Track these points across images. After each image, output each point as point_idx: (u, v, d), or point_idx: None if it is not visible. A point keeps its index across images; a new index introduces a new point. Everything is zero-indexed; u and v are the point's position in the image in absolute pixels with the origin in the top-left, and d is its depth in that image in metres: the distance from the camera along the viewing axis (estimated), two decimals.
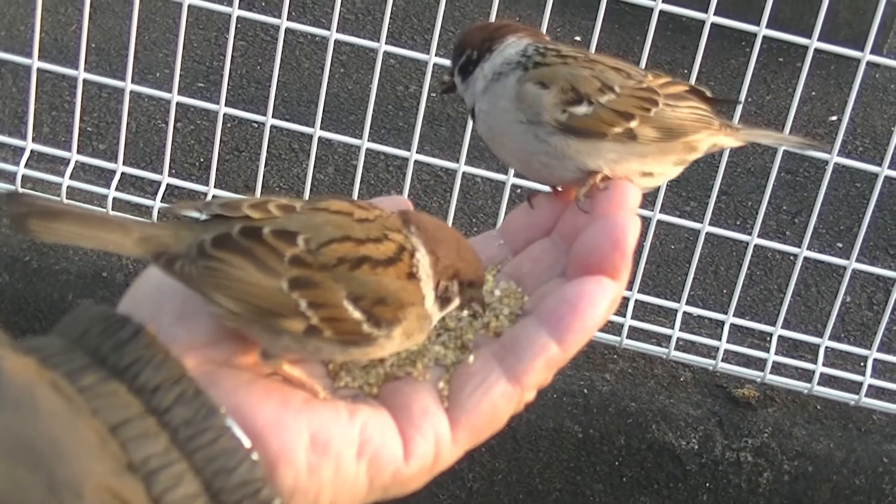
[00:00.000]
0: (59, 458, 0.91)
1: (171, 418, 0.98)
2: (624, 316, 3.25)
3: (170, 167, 3.38)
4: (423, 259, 1.13)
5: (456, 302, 1.16)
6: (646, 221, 3.16)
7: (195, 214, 1.10)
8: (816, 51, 2.98)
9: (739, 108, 3.00)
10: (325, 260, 1.06)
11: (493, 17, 2.94)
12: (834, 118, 4.66)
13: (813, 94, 4.79)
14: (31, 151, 3.37)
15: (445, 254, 1.14)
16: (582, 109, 1.33)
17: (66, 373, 0.98)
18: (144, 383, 0.99)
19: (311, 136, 3.20)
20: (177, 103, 3.25)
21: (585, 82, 1.35)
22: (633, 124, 1.36)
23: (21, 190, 3.31)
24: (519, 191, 3.38)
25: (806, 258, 3.20)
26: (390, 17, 3.00)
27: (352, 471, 1.03)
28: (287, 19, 3.11)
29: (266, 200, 1.10)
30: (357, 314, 1.07)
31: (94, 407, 0.96)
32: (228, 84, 3.19)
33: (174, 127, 3.44)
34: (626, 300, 3.27)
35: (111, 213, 0.94)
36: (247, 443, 0.99)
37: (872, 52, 2.98)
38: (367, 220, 1.11)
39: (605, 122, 1.34)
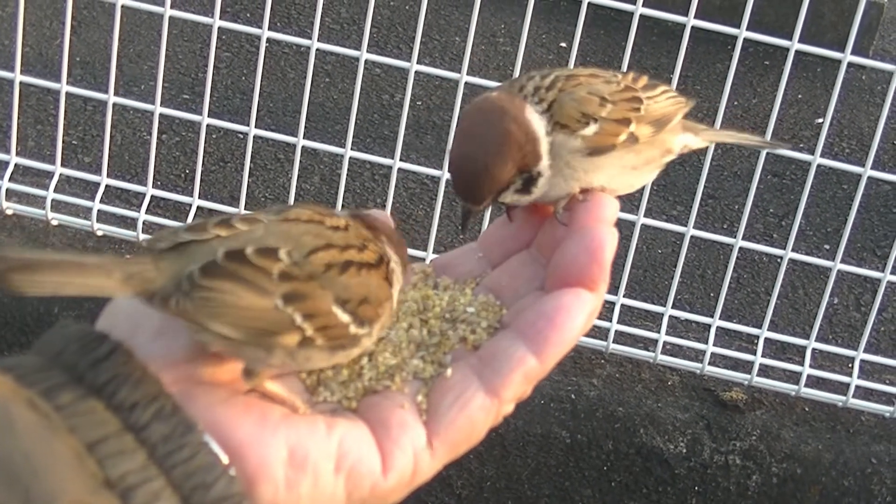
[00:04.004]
0: (35, 476, 0.91)
1: (149, 435, 0.98)
2: (610, 321, 3.26)
3: (155, 179, 3.38)
4: (396, 267, 1.15)
5: None
6: (631, 225, 3.16)
7: (166, 244, 1.09)
8: (802, 54, 2.99)
9: (722, 112, 3.00)
10: (313, 269, 1.07)
11: (473, 25, 2.94)
12: (820, 120, 4.67)
13: (799, 96, 4.80)
14: (16, 165, 3.37)
15: (404, 256, 1.19)
16: (592, 129, 1.33)
17: (43, 391, 0.98)
18: (122, 400, 0.99)
19: (295, 146, 3.21)
20: (161, 115, 3.26)
21: (587, 103, 1.34)
22: (633, 128, 1.36)
23: None
24: None
25: (793, 260, 3.21)
26: (376, 27, 3.02)
27: (330, 485, 1.03)
28: (272, 30, 3.11)
29: (229, 217, 1.10)
30: (345, 317, 1.08)
31: (71, 424, 0.96)
32: (214, 95, 3.20)
33: (159, 139, 3.45)
34: (612, 305, 3.28)
35: (89, 254, 0.93)
36: (224, 458, 0.99)
37: (858, 54, 2.99)
38: (340, 229, 1.12)
39: (611, 135, 1.34)
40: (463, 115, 1.37)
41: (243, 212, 3.29)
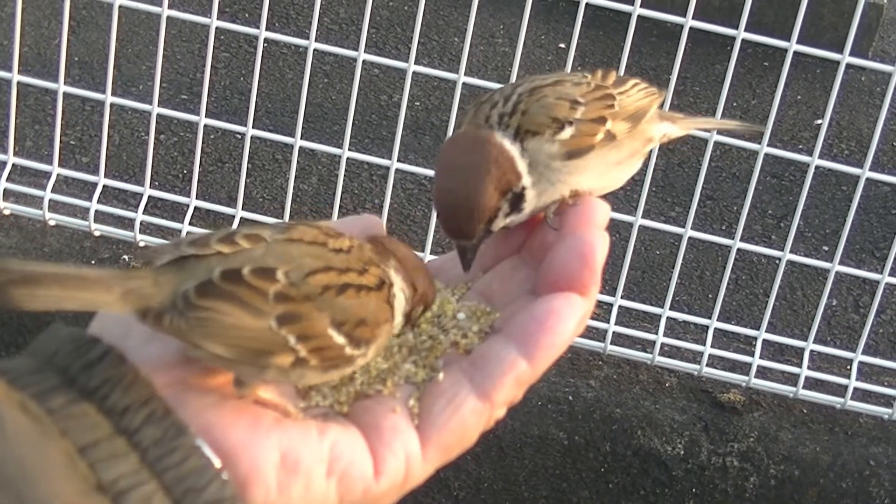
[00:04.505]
0: (26, 480, 0.91)
1: (141, 438, 0.98)
2: (608, 322, 3.26)
3: (153, 179, 3.39)
4: (399, 293, 1.13)
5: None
6: (629, 227, 3.17)
7: (167, 257, 1.08)
8: (802, 55, 2.99)
9: (720, 113, 3.00)
10: (310, 290, 1.06)
11: (471, 26, 2.94)
12: (819, 122, 4.66)
13: (798, 97, 4.80)
14: (14, 165, 3.37)
15: (421, 283, 1.16)
16: (567, 133, 1.33)
17: (35, 394, 0.98)
18: (114, 404, 0.99)
19: (293, 147, 3.22)
20: (159, 115, 3.26)
21: (557, 108, 1.34)
22: (609, 125, 1.36)
23: None
24: None
25: (791, 262, 3.21)
26: (374, 27, 3.01)
27: (322, 488, 1.03)
28: (270, 30, 3.12)
29: (234, 233, 1.09)
30: (341, 339, 1.07)
31: (63, 428, 0.96)
32: (212, 95, 3.20)
33: (157, 139, 3.45)
34: (610, 306, 3.28)
35: (89, 267, 0.93)
36: (217, 462, 0.99)
37: (857, 55, 2.99)
38: (343, 251, 1.11)
39: (588, 135, 1.34)
40: (439, 154, 1.36)
41: (241, 213, 3.31)
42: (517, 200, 1.30)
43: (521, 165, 1.31)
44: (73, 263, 3.28)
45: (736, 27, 2.95)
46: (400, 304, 1.14)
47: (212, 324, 1.02)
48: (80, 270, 1.02)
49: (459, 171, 1.31)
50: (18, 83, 3.28)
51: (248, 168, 3.29)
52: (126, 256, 3.39)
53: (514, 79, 3.03)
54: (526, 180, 1.31)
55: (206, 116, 3.25)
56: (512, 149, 1.31)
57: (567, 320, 1.09)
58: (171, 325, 1.02)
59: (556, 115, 1.33)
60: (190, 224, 3.33)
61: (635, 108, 1.41)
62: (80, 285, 1.02)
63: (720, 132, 3.08)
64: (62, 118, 3.32)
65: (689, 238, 3.20)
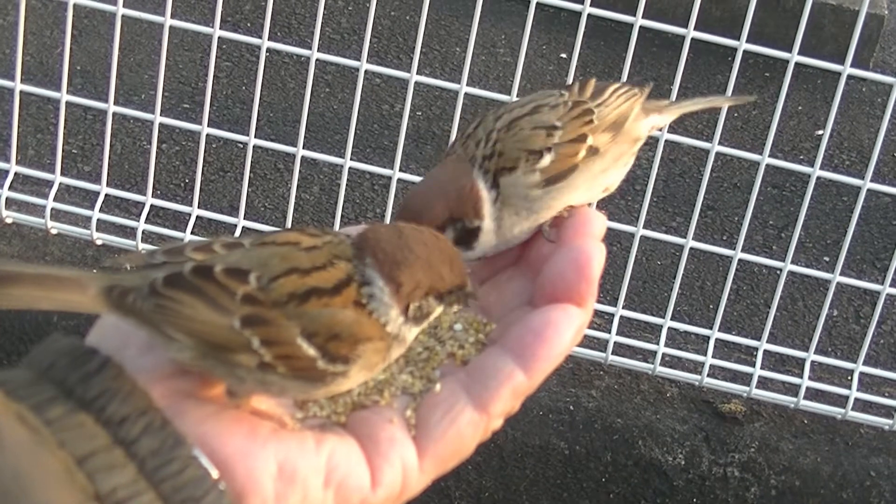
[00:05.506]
0: (23, 491, 0.91)
1: (139, 449, 0.98)
2: (609, 332, 3.26)
3: (155, 188, 3.39)
4: (378, 291, 1.08)
5: (438, 310, 1.13)
6: (630, 237, 3.17)
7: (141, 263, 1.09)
8: (802, 66, 2.99)
9: (721, 123, 3.01)
10: (276, 297, 1.04)
11: (473, 35, 2.95)
12: (820, 132, 4.67)
13: (799, 108, 4.80)
14: (16, 174, 3.38)
15: (410, 276, 1.09)
16: (547, 160, 1.32)
17: (33, 405, 0.98)
18: (111, 415, 0.99)
19: (295, 156, 3.22)
20: (161, 124, 3.27)
21: (532, 140, 1.33)
22: (590, 141, 1.35)
23: None
24: None
25: (792, 272, 3.21)
26: (376, 37, 3.02)
27: (319, 499, 1.03)
28: (272, 40, 3.12)
29: (211, 241, 1.08)
30: (311, 351, 1.05)
31: (61, 439, 0.96)
32: (214, 105, 3.20)
33: (160, 148, 3.45)
34: (611, 316, 3.28)
35: (67, 268, 0.94)
36: (214, 472, 0.99)
37: (858, 66, 2.99)
38: (315, 248, 1.08)
39: (570, 156, 1.34)
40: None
41: (242, 222, 3.31)
42: (467, 235, 1.30)
43: (486, 208, 1.31)
44: (56, 265, 3.29)
45: (737, 38, 2.96)
46: (381, 301, 1.08)
47: (171, 312, 1.03)
48: (57, 271, 1.03)
49: (428, 187, 1.35)
50: (21, 92, 3.28)
51: (249, 177, 3.29)
52: (127, 265, 3.39)
53: (515, 88, 3.04)
54: (486, 223, 1.30)
55: (208, 126, 3.25)
56: (484, 191, 1.31)
57: (564, 332, 1.09)
58: (132, 304, 1.03)
59: (532, 147, 1.32)
60: (192, 233, 3.33)
61: (616, 115, 1.40)
62: (57, 285, 1.03)
63: (721, 142, 3.08)
64: (64, 127, 3.33)
65: (691, 248, 3.20)
